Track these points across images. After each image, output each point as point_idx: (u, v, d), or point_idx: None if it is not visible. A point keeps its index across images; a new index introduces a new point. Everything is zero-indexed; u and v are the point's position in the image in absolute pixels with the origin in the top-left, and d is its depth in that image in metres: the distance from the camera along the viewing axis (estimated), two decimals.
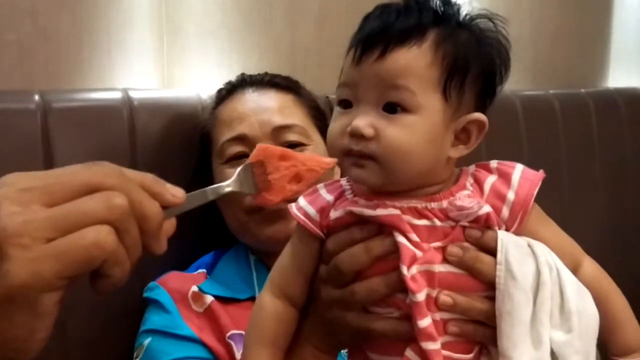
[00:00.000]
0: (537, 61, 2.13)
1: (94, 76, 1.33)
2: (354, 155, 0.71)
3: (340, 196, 0.78)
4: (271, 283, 0.82)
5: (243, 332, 1.07)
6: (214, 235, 1.26)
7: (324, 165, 0.70)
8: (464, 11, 0.75)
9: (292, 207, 0.79)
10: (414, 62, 0.71)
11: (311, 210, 0.78)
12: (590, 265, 0.78)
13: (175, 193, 0.57)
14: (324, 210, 0.77)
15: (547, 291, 0.70)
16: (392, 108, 0.70)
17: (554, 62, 2.19)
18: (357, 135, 0.70)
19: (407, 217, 0.72)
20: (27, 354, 0.53)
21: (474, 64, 0.73)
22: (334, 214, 0.76)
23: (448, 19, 0.73)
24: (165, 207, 0.56)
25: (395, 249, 0.71)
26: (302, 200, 0.79)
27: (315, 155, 0.71)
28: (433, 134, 0.71)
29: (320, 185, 0.80)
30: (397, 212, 0.72)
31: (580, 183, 1.98)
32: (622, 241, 2.09)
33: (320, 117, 1.26)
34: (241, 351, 1.05)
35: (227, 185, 0.66)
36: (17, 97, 1.19)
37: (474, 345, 0.74)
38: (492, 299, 0.71)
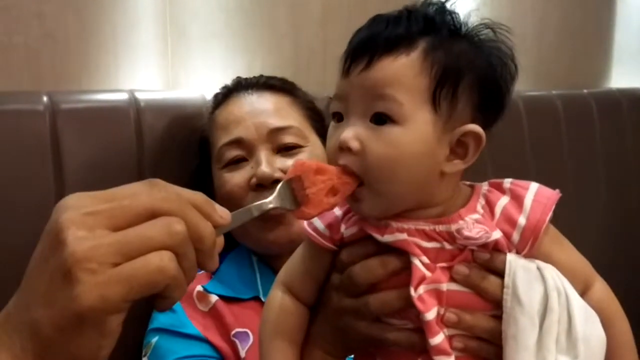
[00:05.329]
0: (540, 62, 2.13)
1: (100, 77, 1.35)
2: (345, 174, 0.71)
3: (349, 211, 0.77)
4: (281, 282, 0.82)
5: (247, 330, 1.09)
6: None
7: (358, 178, 0.71)
8: (461, 20, 0.73)
9: (304, 222, 0.79)
10: (401, 71, 0.69)
11: (320, 225, 0.77)
12: (600, 288, 0.77)
13: (222, 214, 0.59)
14: (332, 226, 0.77)
15: (555, 316, 0.69)
16: (379, 119, 0.69)
17: (557, 63, 2.19)
18: (344, 148, 0.70)
19: (416, 240, 0.71)
20: None
21: (468, 73, 0.70)
22: (347, 231, 0.76)
23: (440, 28, 0.71)
24: (214, 226, 0.58)
25: (409, 264, 0.71)
26: None
27: None
28: (421, 147, 0.69)
29: None
30: (404, 236, 0.71)
31: (583, 184, 1.98)
32: (623, 240, 2.10)
33: (316, 117, 1.26)
34: (245, 349, 1.07)
35: (270, 202, 0.67)
36: (25, 98, 1.20)
37: None
38: (498, 317, 0.71)
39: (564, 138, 1.96)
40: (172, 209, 0.54)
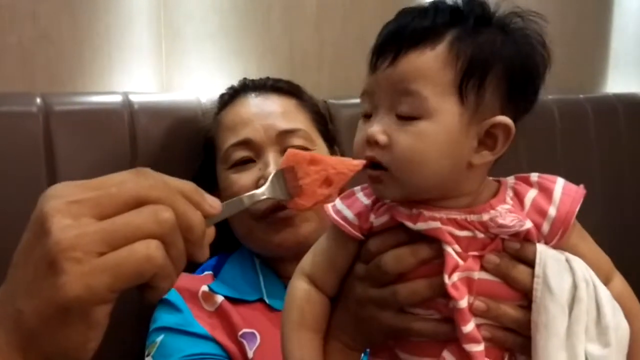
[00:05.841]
0: None
1: (94, 79, 1.34)
2: (371, 167, 0.71)
3: (378, 200, 0.77)
4: (302, 272, 0.81)
5: (254, 331, 1.08)
6: (216, 240, 1.26)
7: (352, 168, 0.70)
8: (489, 9, 0.72)
9: (329, 209, 0.78)
10: (426, 65, 0.69)
11: (349, 214, 0.77)
12: (619, 282, 0.78)
13: (212, 203, 0.58)
14: (361, 215, 0.76)
15: (583, 306, 0.70)
16: (406, 114, 0.70)
17: (553, 68, 2.17)
18: (372, 142, 0.70)
19: (449, 228, 0.71)
20: None
21: (495, 63, 0.70)
22: (377, 220, 0.76)
23: (467, 18, 0.71)
24: (204, 216, 0.57)
25: (440, 254, 0.71)
26: (339, 203, 0.78)
27: (345, 158, 0.71)
28: (448, 139, 0.69)
29: (357, 189, 0.79)
30: (437, 224, 0.71)
31: None
32: (619, 245, 2.09)
33: (321, 121, 1.26)
34: (253, 349, 1.06)
35: (262, 192, 0.66)
36: (19, 99, 1.20)
37: (504, 352, 0.74)
38: (525, 307, 0.72)
39: (560, 143, 1.96)
40: (160, 197, 0.53)
